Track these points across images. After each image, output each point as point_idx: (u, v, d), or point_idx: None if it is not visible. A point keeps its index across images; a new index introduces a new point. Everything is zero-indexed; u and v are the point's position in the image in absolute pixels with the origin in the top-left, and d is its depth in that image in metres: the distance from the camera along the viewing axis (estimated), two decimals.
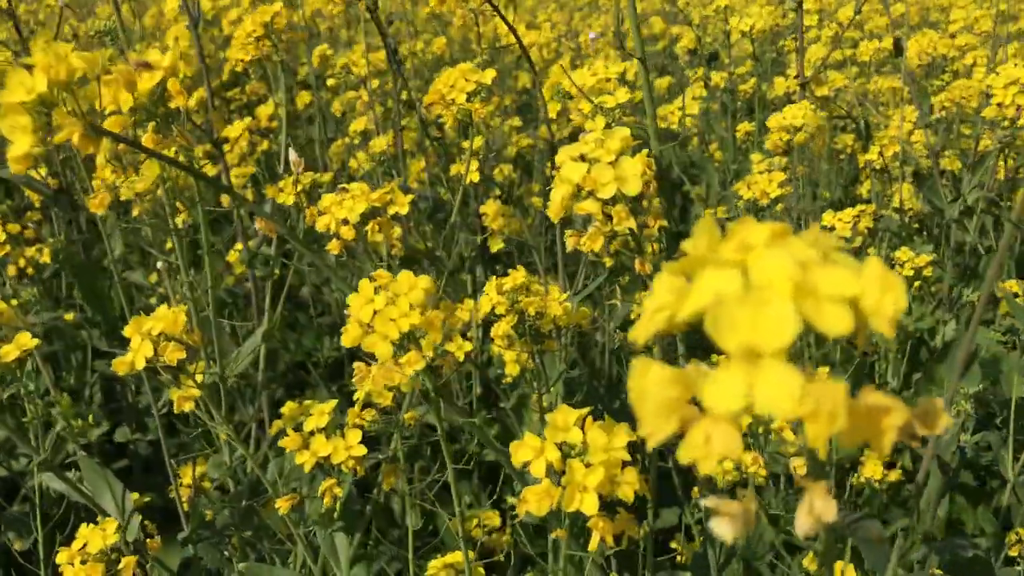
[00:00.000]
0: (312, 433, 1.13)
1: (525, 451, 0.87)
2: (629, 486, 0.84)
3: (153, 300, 2.27)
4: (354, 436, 1.12)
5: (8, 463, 2.44)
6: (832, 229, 2.07)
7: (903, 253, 2.65)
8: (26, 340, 1.23)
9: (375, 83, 2.39)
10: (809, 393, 0.38)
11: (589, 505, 0.82)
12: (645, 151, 1.00)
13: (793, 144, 1.64)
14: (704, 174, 4.53)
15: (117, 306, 2.62)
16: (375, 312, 0.91)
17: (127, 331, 1.10)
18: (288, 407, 1.38)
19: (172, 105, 1.03)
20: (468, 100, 1.46)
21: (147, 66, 1.01)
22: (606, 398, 2.11)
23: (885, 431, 0.41)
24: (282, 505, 1.16)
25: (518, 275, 1.39)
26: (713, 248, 0.41)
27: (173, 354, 1.08)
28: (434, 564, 1.44)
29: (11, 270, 2.20)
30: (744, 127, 3.78)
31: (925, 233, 3.39)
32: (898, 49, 3.00)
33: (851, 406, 0.40)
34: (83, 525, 1.16)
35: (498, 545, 1.77)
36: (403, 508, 2.13)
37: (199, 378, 1.31)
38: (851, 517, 1.59)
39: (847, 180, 4.13)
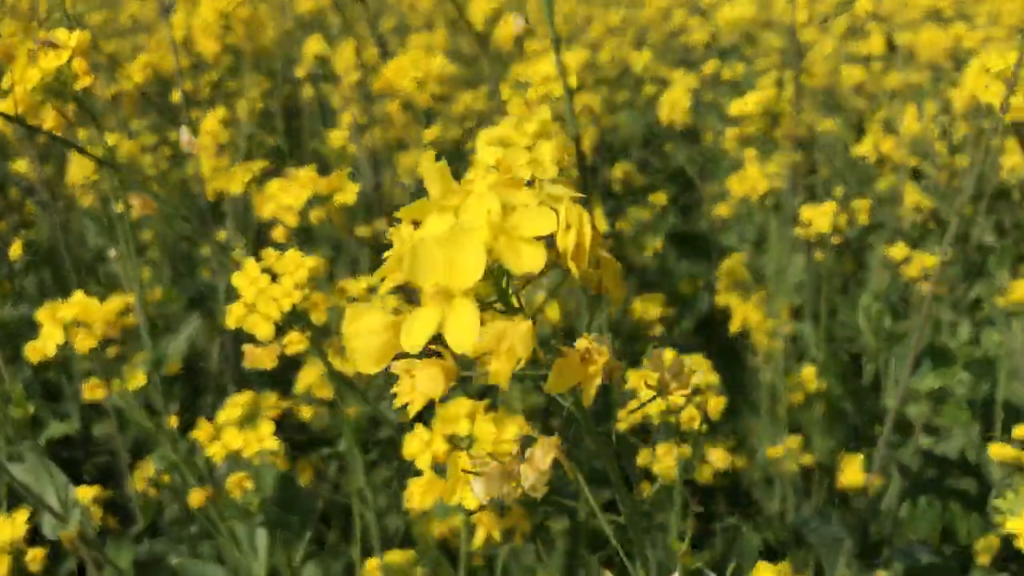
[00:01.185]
0: (224, 426, 1.10)
1: (415, 443, 0.83)
2: None
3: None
4: (267, 428, 1.09)
5: None
6: (809, 224, 2.01)
7: (899, 250, 2.58)
8: None
9: (354, 76, 2.36)
10: (490, 331, 0.35)
11: (470, 499, 0.77)
12: (560, 137, 0.95)
13: (756, 130, 1.58)
14: (718, 169, 4.45)
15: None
16: (259, 292, 0.87)
17: (39, 315, 1.08)
18: (233, 399, 1.35)
19: (78, 85, 1.00)
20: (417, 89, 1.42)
21: (52, 45, 0.99)
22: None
23: (592, 376, 0.39)
24: (195, 497, 1.13)
25: None
26: (444, 195, 0.38)
27: (84, 342, 1.06)
28: (370, 562, 1.40)
29: None
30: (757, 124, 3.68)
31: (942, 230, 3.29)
32: (891, 46, 2.93)
33: (559, 352, 0.39)
34: None
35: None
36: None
37: (138, 375, 1.28)
38: (813, 520, 1.52)
39: (863, 177, 4.05)
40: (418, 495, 0.80)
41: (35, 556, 1.12)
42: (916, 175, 3.16)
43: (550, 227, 0.37)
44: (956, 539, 2.21)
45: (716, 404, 1.05)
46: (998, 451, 0.98)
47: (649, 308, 2.52)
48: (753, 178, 2.57)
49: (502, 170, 1.03)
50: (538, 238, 0.37)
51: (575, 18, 6.41)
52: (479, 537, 0.81)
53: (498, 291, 0.42)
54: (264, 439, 1.09)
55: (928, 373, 1.56)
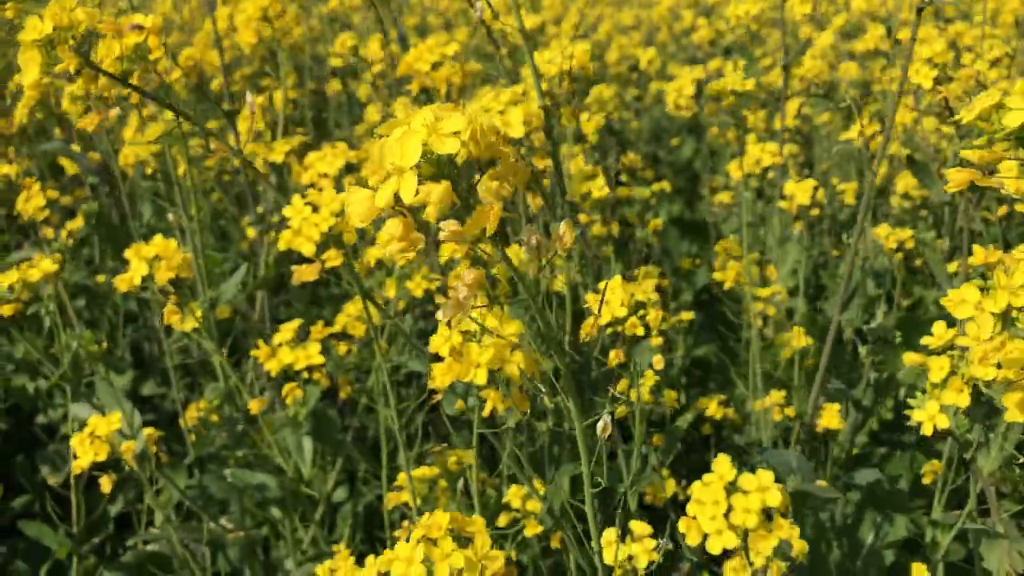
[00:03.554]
0: (279, 346, 1.33)
1: (437, 340, 1.06)
2: (515, 364, 1.02)
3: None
4: (314, 348, 1.32)
5: (46, 411, 2.70)
6: (791, 197, 2.22)
7: (882, 229, 2.79)
8: (48, 265, 1.44)
9: (377, 68, 2.59)
10: (423, 189, 0.60)
11: (480, 377, 1.00)
12: (530, 101, 1.19)
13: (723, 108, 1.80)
14: (723, 163, 4.67)
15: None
16: (303, 219, 1.11)
17: (127, 254, 1.31)
18: (262, 348, 1.59)
19: (152, 57, 1.24)
20: (433, 69, 1.65)
21: (139, 27, 1.23)
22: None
23: (492, 220, 0.63)
24: (253, 406, 1.36)
25: None
26: (404, 116, 0.63)
27: (164, 273, 1.29)
28: (401, 476, 1.63)
29: (49, 232, 2.43)
30: (758, 115, 3.91)
31: (931, 216, 3.49)
32: (894, 41, 3.13)
33: (470, 204, 0.62)
34: (93, 416, 1.37)
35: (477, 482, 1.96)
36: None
37: (197, 310, 1.52)
38: (774, 451, 1.73)
39: (861, 166, 4.24)
40: (439, 375, 1.02)
41: (128, 447, 1.35)
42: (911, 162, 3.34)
43: (460, 126, 0.62)
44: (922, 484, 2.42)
45: (656, 316, 1.26)
46: (910, 358, 1.19)
47: (648, 279, 2.74)
48: (754, 154, 2.78)
49: None
50: (453, 134, 0.64)
51: (588, 17, 6.62)
52: (487, 409, 1.04)
53: (438, 170, 0.66)
54: (312, 356, 1.32)
55: (855, 311, 1.76)
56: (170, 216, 1.80)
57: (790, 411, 2.35)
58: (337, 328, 1.61)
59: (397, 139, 0.62)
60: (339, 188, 1.69)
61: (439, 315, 0.70)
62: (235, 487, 1.74)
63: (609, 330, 1.24)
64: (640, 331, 1.23)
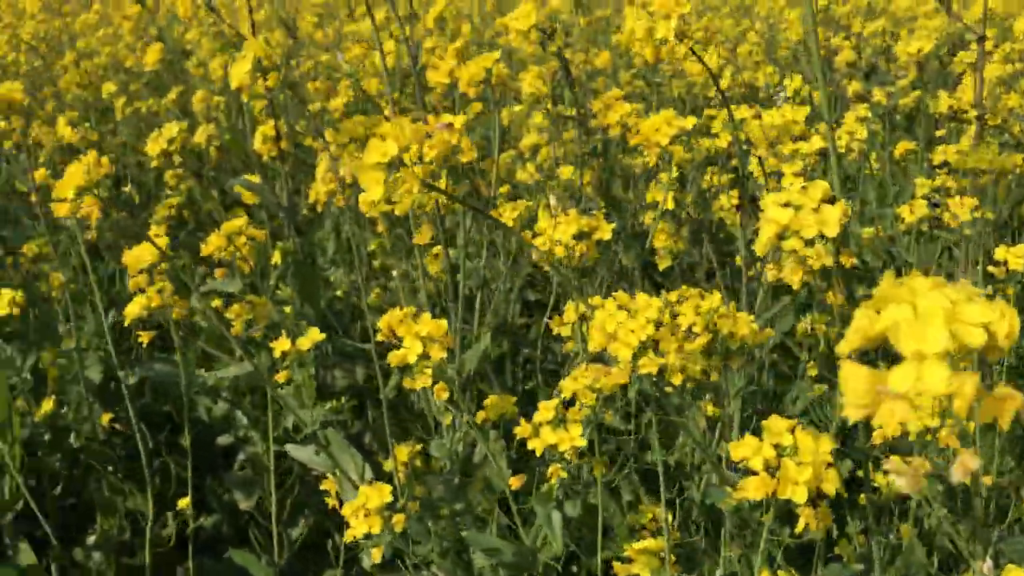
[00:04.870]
0: (540, 425, 1.37)
1: (744, 449, 1.08)
2: (831, 484, 1.02)
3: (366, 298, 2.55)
4: (576, 429, 1.36)
5: (234, 433, 2.84)
6: (1004, 263, 2.13)
7: None
8: (315, 334, 1.52)
9: (549, 105, 2.63)
10: (954, 380, 0.58)
11: (800, 495, 1.02)
12: (842, 201, 1.18)
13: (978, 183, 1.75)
14: (862, 189, 4.53)
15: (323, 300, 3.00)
16: (619, 324, 1.14)
17: (401, 331, 1.37)
18: (491, 399, 1.64)
19: (464, 159, 1.29)
20: (670, 144, 1.67)
21: (450, 127, 1.29)
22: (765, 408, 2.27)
23: (1006, 411, 0.61)
24: (514, 483, 1.41)
25: (714, 298, 1.58)
26: (892, 290, 0.61)
27: (438, 352, 1.35)
28: (634, 546, 1.64)
29: (245, 268, 2.54)
30: (904, 145, 3.79)
31: None
32: None
33: (984, 392, 0.60)
34: (362, 486, 1.44)
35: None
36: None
37: (428, 372, 1.57)
38: (1007, 536, 1.68)
39: (1016, 200, 4.05)
40: (752, 490, 1.04)
41: (399, 519, 1.41)
42: None
43: (991, 317, 0.60)
44: None
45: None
46: None
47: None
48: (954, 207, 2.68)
49: (792, 228, 1.27)
50: (980, 324, 0.60)
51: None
52: (800, 525, 1.05)
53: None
54: (575, 439, 1.35)
55: None
56: (395, 272, 1.87)
57: (988, 480, 2.28)
58: (567, 394, 1.64)
59: (915, 321, 0.60)
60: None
61: (901, 485, 0.69)
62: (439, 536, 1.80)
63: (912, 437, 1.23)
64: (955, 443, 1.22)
